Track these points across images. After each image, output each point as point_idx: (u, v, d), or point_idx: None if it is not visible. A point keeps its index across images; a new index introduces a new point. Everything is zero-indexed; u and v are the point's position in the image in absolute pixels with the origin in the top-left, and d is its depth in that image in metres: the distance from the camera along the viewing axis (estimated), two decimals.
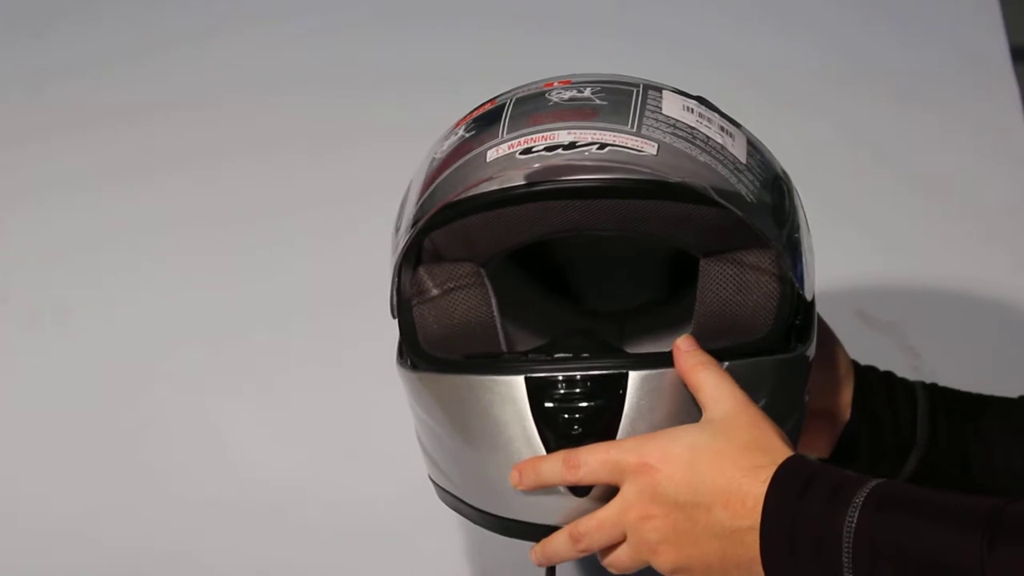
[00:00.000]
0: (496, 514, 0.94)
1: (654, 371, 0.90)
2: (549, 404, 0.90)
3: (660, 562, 0.88)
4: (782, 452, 0.87)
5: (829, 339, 1.04)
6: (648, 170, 0.90)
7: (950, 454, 1.04)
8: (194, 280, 1.41)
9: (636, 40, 1.60)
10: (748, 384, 0.91)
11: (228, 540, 1.22)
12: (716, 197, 0.90)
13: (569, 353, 0.94)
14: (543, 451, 0.91)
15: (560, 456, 0.90)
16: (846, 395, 1.05)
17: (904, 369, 1.11)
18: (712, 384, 0.89)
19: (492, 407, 0.91)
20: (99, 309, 1.39)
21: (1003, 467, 1.04)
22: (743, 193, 0.92)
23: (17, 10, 1.70)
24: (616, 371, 0.90)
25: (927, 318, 1.35)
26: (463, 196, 0.91)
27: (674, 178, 0.90)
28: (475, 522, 0.97)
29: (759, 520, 0.84)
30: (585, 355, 0.93)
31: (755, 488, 0.85)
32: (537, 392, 0.90)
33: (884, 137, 1.53)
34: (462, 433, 0.93)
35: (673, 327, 1.06)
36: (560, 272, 1.11)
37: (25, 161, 1.53)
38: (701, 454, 0.87)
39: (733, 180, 0.92)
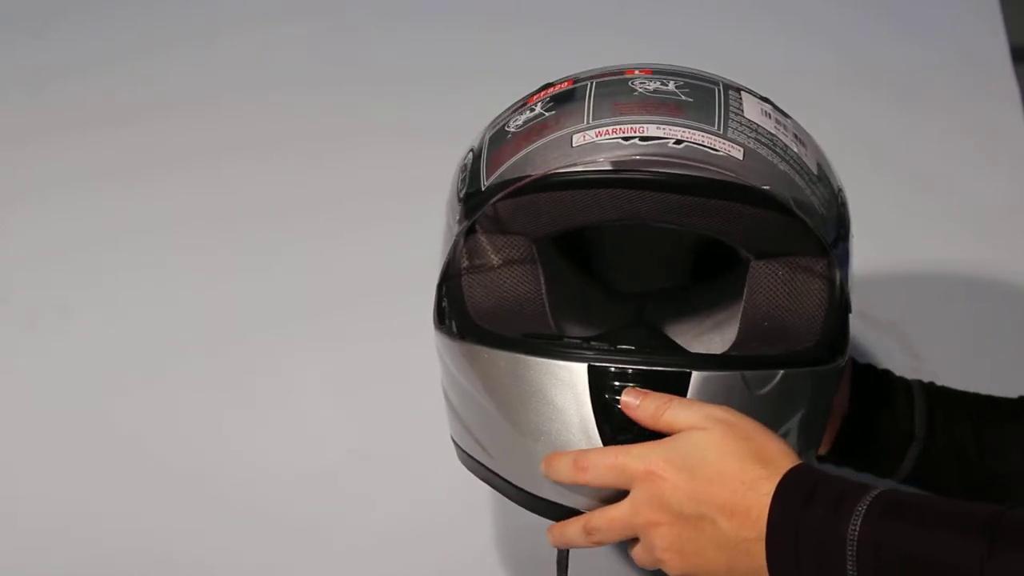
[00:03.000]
0: (529, 491, 0.93)
1: (717, 373, 0.89)
2: (610, 396, 0.89)
3: (668, 568, 0.89)
4: (783, 462, 0.87)
5: None
6: (732, 174, 0.89)
7: (947, 451, 1.05)
8: (194, 280, 1.41)
9: (636, 40, 1.60)
10: (792, 393, 0.90)
11: (228, 540, 1.22)
12: (795, 208, 0.91)
13: (631, 346, 0.93)
14: (599, 442, 0.89)
15: (571, 456, 0.90)
16: (844, 390, 1.05)
17: (904, 370, 1.11)
18: (683, 416, 0.88)
19: (550, 391, 0.89)
20: (99, 309, 1.39)
21: (1001, 466, 1.04)
22: (815, 205, 0.92)
23: (17, 10, 1.70)
24: (680, 369, 0.89)
25: (927, 318, 1.35)
26: (552, 171, 0.90)
27: (760, 185, 0.89)
28: (502, 492, 0.96)
29: (764, 531, 0.85)
30: (648, 350, 0.92)
31: (759, 500, 0.85)
32: (598, 382, 0.89)
33: (884, 137, 1.53)
34: (511, 411, 0.91)
35: (694, 315, 1.06)
36: (585, 249, 1.10)
37: (25, 161, 1.53)
38: (702, 466, 0.87)
39: (808, 192, 0.92)
